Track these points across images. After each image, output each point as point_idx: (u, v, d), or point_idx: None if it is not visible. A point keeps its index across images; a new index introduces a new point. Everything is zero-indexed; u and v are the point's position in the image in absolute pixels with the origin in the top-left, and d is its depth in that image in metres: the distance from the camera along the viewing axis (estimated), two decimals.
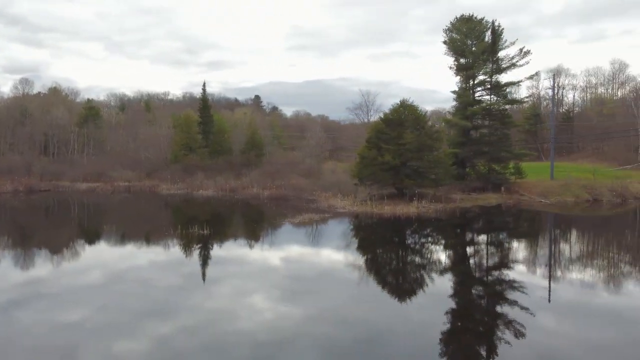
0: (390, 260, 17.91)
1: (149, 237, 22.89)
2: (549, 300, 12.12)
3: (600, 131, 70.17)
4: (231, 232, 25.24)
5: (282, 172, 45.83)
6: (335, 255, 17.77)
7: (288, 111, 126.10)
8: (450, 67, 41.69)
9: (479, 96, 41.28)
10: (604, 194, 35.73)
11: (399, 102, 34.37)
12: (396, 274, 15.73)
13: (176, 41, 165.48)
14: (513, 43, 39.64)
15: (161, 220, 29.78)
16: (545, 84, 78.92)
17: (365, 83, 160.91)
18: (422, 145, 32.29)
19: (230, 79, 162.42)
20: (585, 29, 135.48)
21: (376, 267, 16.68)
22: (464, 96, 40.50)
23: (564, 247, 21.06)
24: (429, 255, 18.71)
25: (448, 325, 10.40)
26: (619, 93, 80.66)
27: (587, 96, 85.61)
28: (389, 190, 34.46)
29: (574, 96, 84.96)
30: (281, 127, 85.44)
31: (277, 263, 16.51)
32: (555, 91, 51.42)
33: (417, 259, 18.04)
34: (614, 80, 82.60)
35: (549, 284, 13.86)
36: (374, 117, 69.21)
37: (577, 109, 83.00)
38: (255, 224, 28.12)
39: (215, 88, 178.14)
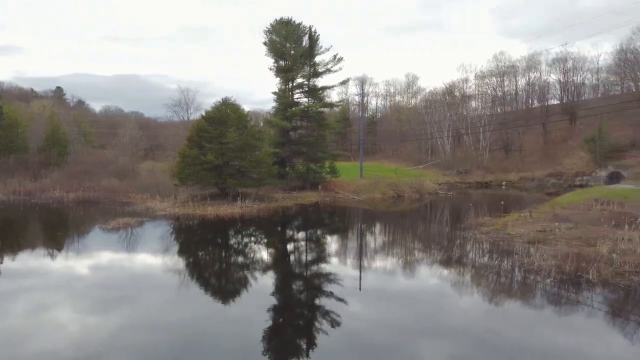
0: (213, 262, 17.50)
1: None
2: (360, 289, 13.14)
3: (399, 135, 79.62)
4: (26, 241, 21.91)
5: (91, 173, 41.61)
6: (153, 260, 16.69)
7: (97, 106, 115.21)
8: (270, 69, 42.77)
9: (297, 98, 43.18)
10: (405, 191, 40.56)
11: (221, 100, 34.01)
12: (219, 275, 15.41)
13: None
14: (328, 49, 42.42)
15: None
16: (353, 90, 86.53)
17: (182, 81, 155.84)
18: (245, 144, 32.42)
19: (24, 67, 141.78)
20: (387, 42, 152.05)
21: (198, 270, 16.11)
22: (283, 98, 41.91)
23: (372, 239, 23.24)
24: (251, 255, 18.79)
25: (270, 322, 10.51)
26: (413, 102, 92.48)
27: (387, 103, 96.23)
28: (211, 190, 33.82)
29: (376, 103, 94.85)
30: (89, 123, 77.48)
31: (85, 272, 14.81)
32: (363, 98, 56.61)
33: (240, 259, 17.97)
34: (408, 90, 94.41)
35: (360, 273, 15.06)
36: (195, 116, 67.16)
37: (379, 114, 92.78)
38: (58, 230, 24.88)
39: (4, 76, 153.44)
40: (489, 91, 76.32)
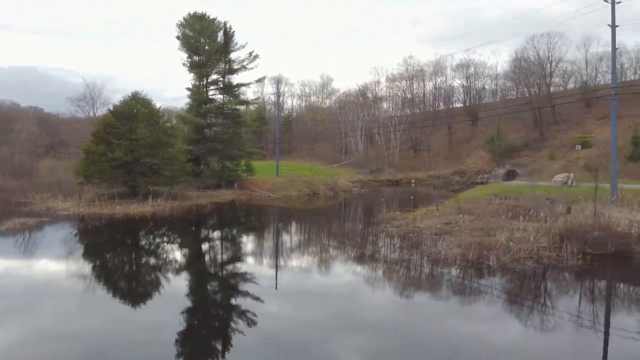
0: (122, 264, 16.68)
1: None
2: (276, 288, 13.24)
3: (314, 134, 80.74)
4: None
5: None
6: (54, 265, 15.59)
7: None
8: (184, 64, 41.57)
9: (212, 95, 42.34)
10: (321, 189, 41.28)
11: (130, 95, 32.46)
12: (129, 278, 14.74)
13: None
14: (244, 46, 42.02)
15: None
16: (269, 89, 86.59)
17: (88, 76, 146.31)
18: (157, 141, 31.22)
19: None
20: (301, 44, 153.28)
21: (106, 274, 15.29)
22: (198, 94, 40.90)
23: (288, 237, 23.45)
24: (164, 256, 18.20)
25: (184, 325, 10.27)
26: (327, 102, 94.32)
27: (302, 103, 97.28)
28: (120, 189, 32.19)
29: (292, 103, 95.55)
30: None
31: None
32: (279, 97, 56.79)
33: (152, 260, 17.32)
34: (323, 91, 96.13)
35: (276, 272, 15.16)
36: (101, 111, 63.35)
37: (294, 114, 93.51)
38: None
39: None
40: (399, 93, 79.75)
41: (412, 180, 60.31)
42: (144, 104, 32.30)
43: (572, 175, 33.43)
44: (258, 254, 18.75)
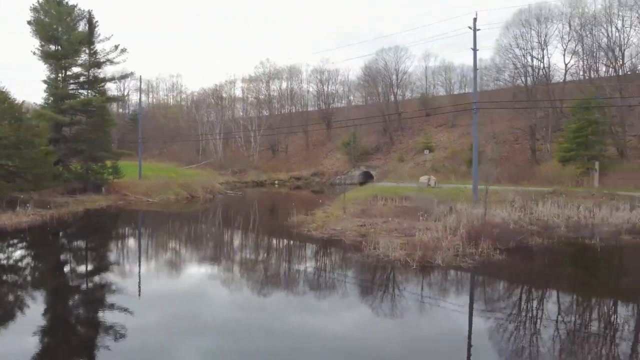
0: None
1: None
2: (139, 296, 12.97)
3: (167, 133, 77.08)
4: None
5: None
6: None
7: None
8: (34, 53, 36.48)
9: (73, 90, 38.00)
10: (199, 191, 40.06)
11: None
12: None
13: None
14: (108, 38, 38.75)
15: None
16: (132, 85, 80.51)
17: None
18: (20, 140, 27.14)
19: None
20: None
21: None
22: (55, 88, 36.34)
23: (157, 242, 23.00)
24: (23, 272, 16.19)
25: (42, 346, 9.37)
26: (180, 100, 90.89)
27: (153, 101, 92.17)
28: None
29: (139, 98, 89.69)
30: None
31: None
32: (141, 94, 52.99)
33: (14, 278, 15.26)
34: (174, 89, 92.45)
35: (139, 280, 14.67)
36: None
37: (145, 110, 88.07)
38: None
39: None
40: (254, 95, 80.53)
41: (275, 182, 61.77)
42: (3, 98, 27.78)
43: (433, 177, 38.14)
44: (126, 262, 17.79)
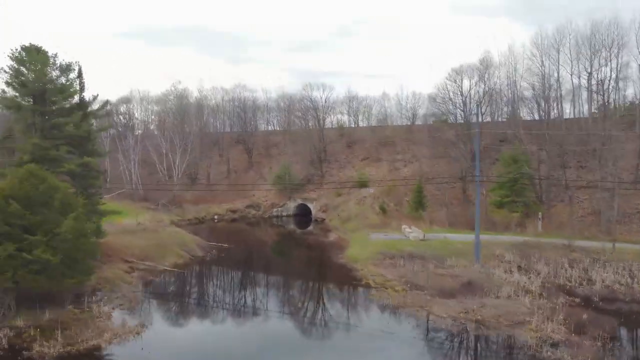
0: None
1: None
2: None
3: None
4: None
5: None
6: None
7: None
8: None
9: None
10: (194, 249, 38.07)
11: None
12: None
13: None
14: (95, 97, 34.39)
15: None
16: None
17: None
18: None
19: None
20: None
21: None
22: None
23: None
24: None
25: None
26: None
27: None
28: None
29: None
30: None
31: None
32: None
33: None
34: None
35: None
36: None
37: None
38: None
39: None
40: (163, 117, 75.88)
41: (215, 216, 59.73)
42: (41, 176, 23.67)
43: (416, 229, 41.96)
44: None
